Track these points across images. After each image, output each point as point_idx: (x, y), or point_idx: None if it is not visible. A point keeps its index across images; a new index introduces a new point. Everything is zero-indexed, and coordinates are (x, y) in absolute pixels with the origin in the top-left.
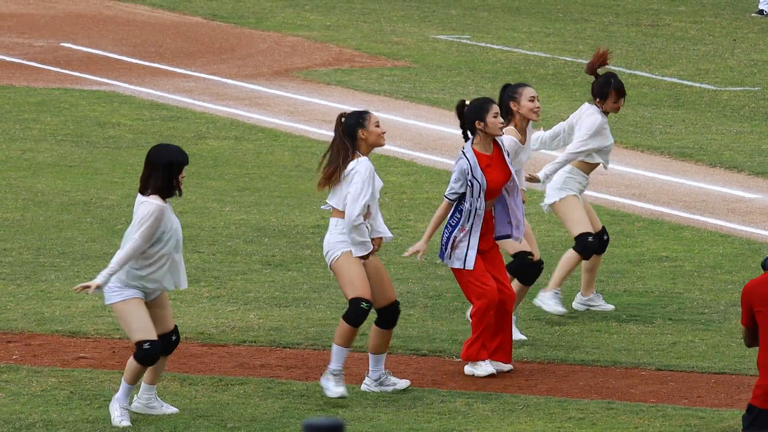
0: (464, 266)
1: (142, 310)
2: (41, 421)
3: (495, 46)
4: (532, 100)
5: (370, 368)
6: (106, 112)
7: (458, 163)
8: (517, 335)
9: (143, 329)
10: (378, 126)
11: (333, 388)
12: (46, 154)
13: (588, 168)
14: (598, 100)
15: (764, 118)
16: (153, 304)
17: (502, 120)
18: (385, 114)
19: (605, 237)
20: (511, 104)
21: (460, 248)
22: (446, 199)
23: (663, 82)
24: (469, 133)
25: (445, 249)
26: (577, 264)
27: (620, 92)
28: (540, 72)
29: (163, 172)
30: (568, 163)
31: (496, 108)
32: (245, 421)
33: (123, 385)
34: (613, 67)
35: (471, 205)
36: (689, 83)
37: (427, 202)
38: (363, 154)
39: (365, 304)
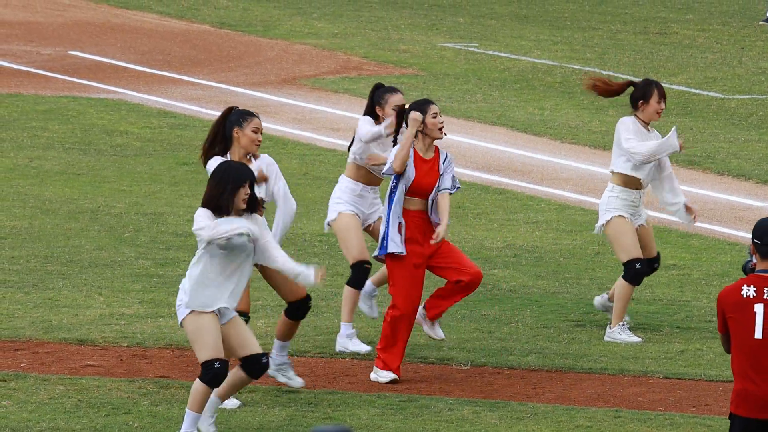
0: (385, 251)
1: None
2: (49, 429)
3: (502, 54)
4: (396, 109)
5: (274, 352)
6: (113, 120)
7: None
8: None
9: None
10: (255, 132)
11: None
12: (53, 162)
13: (626, 181)
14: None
15: None
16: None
17: (442, 120)
18: None
19: (655, 265)
20: (377, 109)
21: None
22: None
23: (671, 90)
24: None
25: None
26: (631, 292)
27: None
28: (548, 80)
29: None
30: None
31: (435, 108)
32: (253, 429)
33: (188, 415)
34: (620, 75)
35: (400, 192)
36: (697, 91)
37: None
38: (231, 153)
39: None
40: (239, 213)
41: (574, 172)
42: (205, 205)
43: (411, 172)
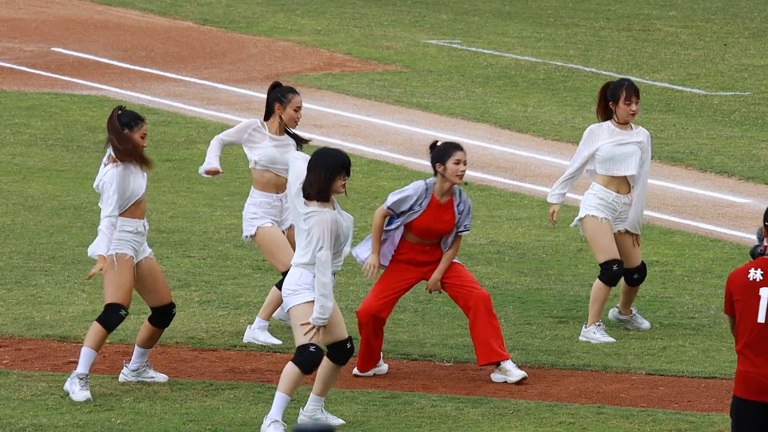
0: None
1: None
2: (31, 425)
3: (486, 51)
4: (297, 110)
5: (132, 359)
6: (96, 117)
7: (414, 186)
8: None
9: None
10: (143, 138)
11: (78, 392)
12: (36, 159)
13: (606, 181)
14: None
15: (755, 122)
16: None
17: (463, 169)
18: (376, 118)
19: (636, 276)
20: (276, 106)
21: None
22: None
23: (654, 86)
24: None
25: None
26: (607, 293)
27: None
28: (531, 77)
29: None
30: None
31: (459, 155)
32: (236, 425)
33: (278, 398)
34: (604, 72)
35: (395, 226)
36: (680, 88)
37: None
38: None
39: (123, 311)
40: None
41: (557, 168)
42: (309, 194)
43: (409, 219)
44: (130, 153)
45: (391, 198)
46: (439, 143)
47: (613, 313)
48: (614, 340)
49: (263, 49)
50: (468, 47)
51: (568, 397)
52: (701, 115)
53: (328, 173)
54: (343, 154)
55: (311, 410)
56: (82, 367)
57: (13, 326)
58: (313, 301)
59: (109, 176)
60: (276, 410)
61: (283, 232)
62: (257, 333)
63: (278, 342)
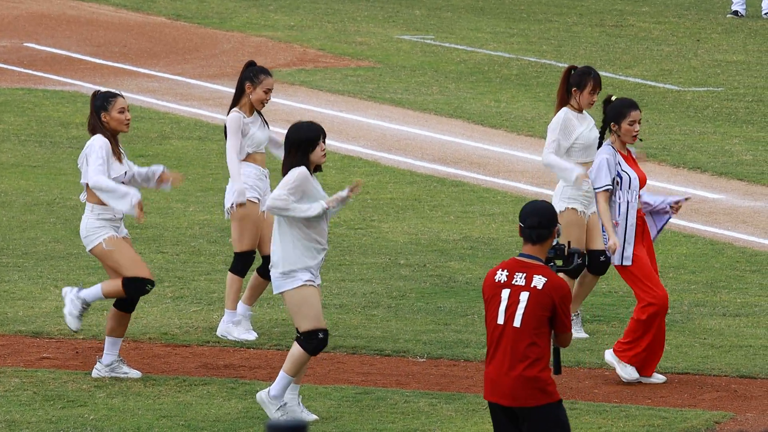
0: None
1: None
2: (4, 421)
3: (459, 47)
4: (268, 92)
5: (104, 352)
6: (69, 113)
7: (600, 153)
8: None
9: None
10: (122, 112)
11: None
12: (9, 155)
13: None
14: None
15: (727, 118)
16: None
17: (638, 128)
18: (349, 114)
19: (602, 257)
20: (247, 85)
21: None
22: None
23: (627, 82)
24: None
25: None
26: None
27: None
28: (504, 72)
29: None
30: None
31: (635, 115)
32: (209, 421)
33: (284, 379)
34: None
35: (621, 198)
36: (653, 84)
37: (390, 202)
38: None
39: (149, 286)
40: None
41: (530, 164)
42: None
43: (632, 173)
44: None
45: (597, 176)
46: (614, 98)
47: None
48: (587, 335)
49: (236, 44)
50: (441, 43)
51: None
52: (674, 110)
53: (302, 147)
54: (314, 125)
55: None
56: (111, 355)
57: None
58: (305, 284)
59: (94, 145)
60: (278, 388)
61: (263, 213)
62: (230, 328)
63: (253, 337)
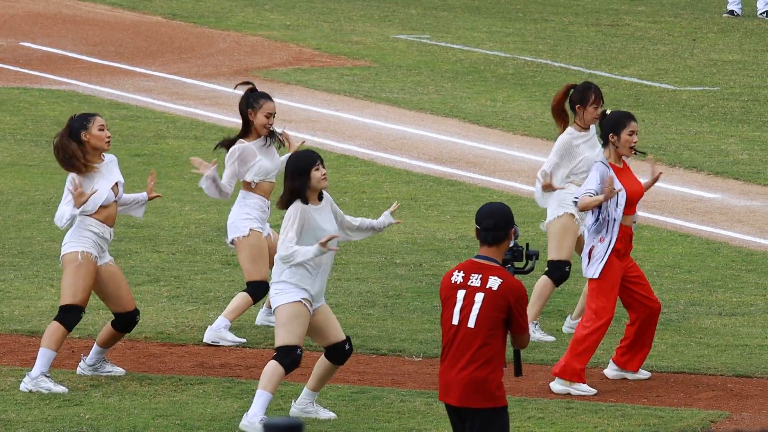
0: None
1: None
2: (0, 420)
3: (455, 46)
4: (269, 117)
5: (90, 354)
6: (65, 112)
7: (596, 168)
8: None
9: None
10: (102, 130)
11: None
12: (5, 154)
13: (580, 183)
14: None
15: (723, 118)
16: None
17: (636, 139)
18: (345, 113)
19: (567, 268)
20: (249, 112)
21: (595, 258)
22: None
23: (623, 82)
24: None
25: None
26: (551, 292)
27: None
28: (500, 71)
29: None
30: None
31: (633, 126)
32: (205, 420)
33: (262, 396)
34: (573, 67)
35: (609, 215)
36: (649, 83)
37: (386, 201)
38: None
39: (82, 312)
40: (320, 195)
41: (526, 163)
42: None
43: (621, 188)
44: (62, 161)
45: (587, 182)
46: (608, 112)
47: (569, 323)
48: (554, 339)
49: (232, 44)
50: (437, 42)
51: (536, 392)
52: (670, 110)
53: (297, 175)
54: (311, 152)
55: (303, 403)
56: (42, 367)
57: None
58: (299, 301)
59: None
60: (259, 407)
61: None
62: (224, 332)
63: (243, 340)
